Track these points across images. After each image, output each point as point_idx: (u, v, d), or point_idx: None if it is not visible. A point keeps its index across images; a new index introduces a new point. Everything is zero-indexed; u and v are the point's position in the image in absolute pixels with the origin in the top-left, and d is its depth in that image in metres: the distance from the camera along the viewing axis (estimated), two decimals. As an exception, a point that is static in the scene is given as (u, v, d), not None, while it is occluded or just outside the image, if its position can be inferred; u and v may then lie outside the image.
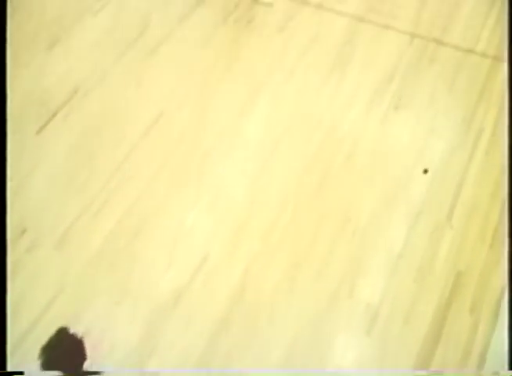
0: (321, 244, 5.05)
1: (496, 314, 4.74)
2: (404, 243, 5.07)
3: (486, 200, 5.30)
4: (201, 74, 6.09)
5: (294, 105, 5.88)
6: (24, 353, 4.32)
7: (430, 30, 6.41)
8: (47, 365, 4.24)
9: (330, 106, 5.88)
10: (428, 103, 5.90)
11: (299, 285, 4.92)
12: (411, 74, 6.09)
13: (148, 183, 5.30)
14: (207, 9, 6.65)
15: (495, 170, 5.46)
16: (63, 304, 4.64)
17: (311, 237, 5.08)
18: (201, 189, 5.31)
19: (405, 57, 6.22)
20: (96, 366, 4.43)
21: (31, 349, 4.33)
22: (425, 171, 5.52)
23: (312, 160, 5.53)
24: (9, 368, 4.03)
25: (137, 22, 6.47)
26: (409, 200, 5.32)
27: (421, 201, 5.31)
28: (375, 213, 5.26)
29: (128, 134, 5.61)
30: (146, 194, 5.23)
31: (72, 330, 4.45)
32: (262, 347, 4.60)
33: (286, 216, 5.23)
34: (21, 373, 4.01)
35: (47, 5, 6.57)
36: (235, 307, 4.75)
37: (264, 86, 5.98)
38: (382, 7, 6.62)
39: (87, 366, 4.35)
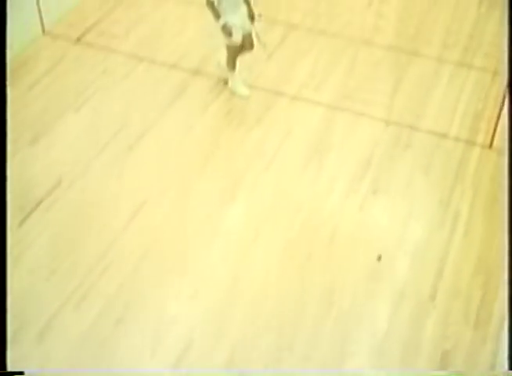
0: (306, 327, 5.02)
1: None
2: (388, 324, 5.05)
3: (467, 280, 5.32)
4: (182, 163, 6.20)
5: (274, 192, 5.97)
6: None
7: (403, 116, 6.62)
8: None
9: (310, 193, 5.99)
10: (405, 187, 6.02)
11: (286, 368, 4.90)
12: (387, 159, 6.25)
13: (131, 271, 5.29)
14: (187, 100, 6.83)
15: (474, 250, 5.52)
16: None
17: (295, 321, 5.05)
18: (184, 277, 5.30)
19: (380, 143, 6.39)
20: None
21: None
22: (379, 258, 5.56)
23: (293, 245, 5.58)
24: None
25: (118, 115, 6.63)
26: (392, 282, 5.35)
27: (403, 282, 5.34)
28: (358, 296, 5.26)
29: (110, 224, 5.64)
30: (130, 282, 5.21)
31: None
32: None
33: (270, 301, 5.20)
34: (21, 373, 3.91)
35: (29, 103, 6.74)
36: (221, 394, 4.69)
37: (244, 174, 6.09)
38: (356, 95, 6.85)
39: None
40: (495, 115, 6.63)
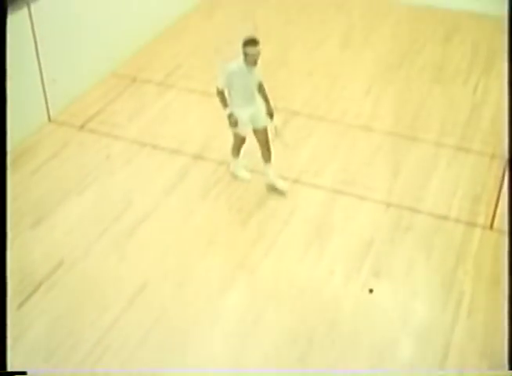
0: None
1: None
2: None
3: (473, 363, 5.24)
4: (183, 247, 6.19)
5: (275, 276, 5.92)
6: None
7: (404, 199, 6.66)
8: None
9: (311, 276, 5.95)
10: (407, 269, 5.98)
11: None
12: (388, 241, 6.24)
13: (131, 354, 5.18)
14: (188, 184, 6.90)
15: (478, 332, 5.43)
16: None
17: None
18: (184, 363, 5.17)
19: (381, 226, 6.40)
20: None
21: None
22: (370, 291, 5.72)
23: (295, 330, 5.46)
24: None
25: (121, 199, 6.68)
26: (396, 365, 5.25)
27: (409, 365, 5.24)
28: (362, 379, 5.18)
29: (110, 307, 5.56)
30: (130, 365, 5.12)
31: None
32: None
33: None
34: (23, 373, 3.80)
35: (32, 187, 6.80)
36: None
37: (245, 258, 6.06)
38: (356, 179, 6.91)
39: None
40: (495, 197, 6.68)
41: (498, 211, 6.52)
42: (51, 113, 7.70)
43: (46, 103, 7.61)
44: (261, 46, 6.28)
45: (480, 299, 5.68)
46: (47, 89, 7.55)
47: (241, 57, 6.25)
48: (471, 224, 6.40)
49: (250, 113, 6.42)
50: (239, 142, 6.72)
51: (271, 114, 6.54)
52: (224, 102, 6.36)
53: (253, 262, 6.06)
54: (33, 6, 7.24)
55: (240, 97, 6.36)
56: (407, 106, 8.03)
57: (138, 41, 9.02)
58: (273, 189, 6.73)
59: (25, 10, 7.17)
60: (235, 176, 6.90)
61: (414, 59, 8.96)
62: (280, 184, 6.72)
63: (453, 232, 6.32)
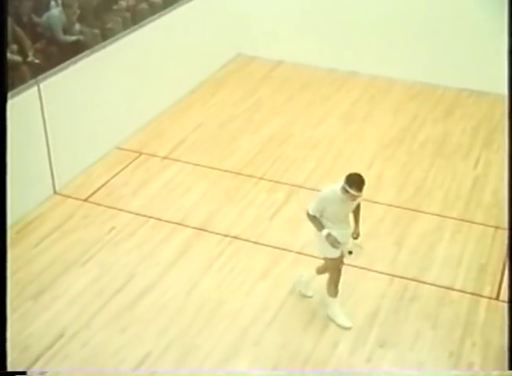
0: None
1: None
2: None
3: None
4: (187, 318, 6.07)
5: (279, 347, 5.80)
6: None
7: (408, 270, 6.61)
8: None
9: (316, 346, 5.82)
10: (413, 340, 5.88)
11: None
12: (393, 312, 6.16)
13: None
14: (191, 257, 6.86)
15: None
16: None
17: None
18: None
19: (386, 296, 6.33)
20: None
21: None
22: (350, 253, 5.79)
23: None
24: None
25: (123, 271, 6.64)
26: None
27: None
28: None
29: (112, 379, 5.52)
30: None
31: None
32: None
33: None
34: (23, 373, 3.70)
35: (36, 258, 6.77)
36: None
37: (248, 329, 5.96)
38: (361, 251, 6.87)
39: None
40: (500, 268, 6.64)
41: (504, 281, 6.48)
42: (56, 186, 7.76)
43: (52, 175, 7.69)
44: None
45: (490, 370, 5.58)
46: (53, 163, 7.64)
47: (339, 186, 5.67)
48: (477, 295, 6.35)
49: (342, 235, 5.88)
50: (337, 273, 6.08)
51: (357, 235, 6.02)
52: (319, 224, 5.84)
53: (256, 333, 5.98)
54: (42, 84, 7.42)
55: (331, 221, 5.83)
56: (409, 179, 8.09)
57: (144, 116, 9.18)
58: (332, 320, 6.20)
59: (35, 88, 7.34)
60: (332, 320, 6.17)
61: (416, 134, 9.08)
62: (341, 320, 6.12)
63: (459, 303, 6.26)
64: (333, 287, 6.07)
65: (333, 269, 6.03)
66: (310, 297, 6.37)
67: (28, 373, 3.97)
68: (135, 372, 5.58)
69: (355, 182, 5.58)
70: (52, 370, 5.20)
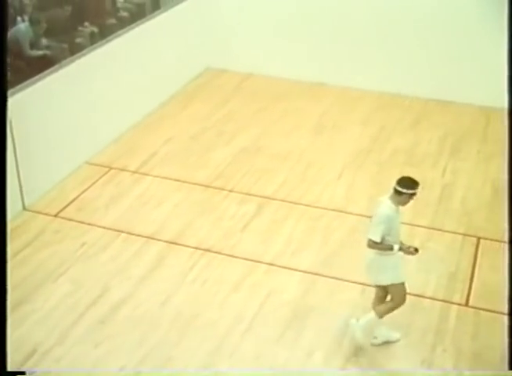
0: None
1: None
2: None
3: None
4: (161, 331, 6.07)
5: (253, 358, 5.83)
6: None
7: (380, 278, 6.70)
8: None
9: (289, 357, 5.86)
10: (387, 347, 5.92)
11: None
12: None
13: None
14: (164, 270, 6.86)
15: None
16: None
17: None
18: None
19: (359, 307, 6.33)
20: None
21: None
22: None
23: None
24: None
25: (96, 285, 6.61)
26: None
27: None
28: None
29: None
30: None
31: None
32: None
33: None
34: (23, 373, 3.83)
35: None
36: None
37: (223, 340, 5.99)
38: (333, 261, 6.95)
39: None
40: (469, 275, 6.75)
41: (473, 287, 6.58)
42: (26, 202, 7.71)
43: (21, 192, 7.64)
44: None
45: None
46: (22, 179, 7.59)
47: (387, 198, 5.63)
48: (447, 302, 6.44)
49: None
50: (403, 298, 5.78)
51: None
52: (385, 247, 5.62)
53: (231, 344, 6.00)
54: (10, 100, 7.34)
55: (393, 238, 5.67)
56: (380, 189, 8.10)
57: (115, 130, 9.19)
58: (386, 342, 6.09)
59: (2, 102, 7.29)
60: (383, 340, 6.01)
61: (385, 144, 9.19)
62: (396, 336, 6.04)
63: (430, 310, 6.34)
64: (388, 311, 5.84)
65: (400, 295, 5.76)
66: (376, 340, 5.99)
67: (27, 373, 3.99)
68: (110, 387, 5.57)
69: (411, 180, 5.60)
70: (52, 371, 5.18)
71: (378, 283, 5.88)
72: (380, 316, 5.83)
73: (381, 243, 5.60)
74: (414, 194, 5.64)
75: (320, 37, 10.57)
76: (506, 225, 7.33)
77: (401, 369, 5.79)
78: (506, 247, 7.08)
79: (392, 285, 5.77)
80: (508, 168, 4.35)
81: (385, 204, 5.63)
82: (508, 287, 3.87)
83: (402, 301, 5.81)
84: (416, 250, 5.75)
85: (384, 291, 5.88)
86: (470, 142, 9.23)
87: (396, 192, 5.59)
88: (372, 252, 5.72)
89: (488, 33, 9.69)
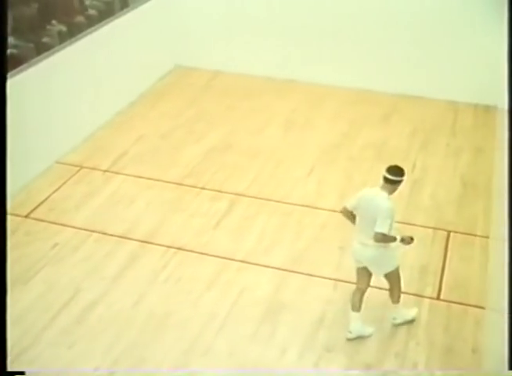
0: None
1: None
2: None
3: None
4: (134, 332, 6.06)
5: (227, 356, 5.85)
6: None
7: (353, 274, 6.64)
8: None
9: (263, 354, 5.90)
10: (360, 343, 5.93)
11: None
12: (340, 316, 6.25)
13: None
14: (137, 269, 6.85)
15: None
16: None
17: None
18: None
19: (332, 301, 6.42)
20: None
21: None
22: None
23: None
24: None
25: (69, 286, 6.58)
26: None
27: None
28: None
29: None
30: None
31: None
32: None
33: None
34: (22, 373, 3.76)
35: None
36: None
37: (197, 339, 6.00)
38: (305, 257, 6.99)
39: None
40: (440, 268, 6.83)
41: (444, 281, 6.66)
42: (-5, 204, 7.64)
43: (-9, 193, 7.56)
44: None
45: (433, 369, 5.72)
46: (-9, 180, 7.52)
47: (380, 190, 5.75)
48: (419, 296, 6.51)
49: None
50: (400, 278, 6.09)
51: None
52: (390, 238, 5.70)
53: (205, 343, 6.01)
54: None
55: (393, 229, 5.78)
56: (350, 184, 8.20)
57: (84, 130, 9.13)
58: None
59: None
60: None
61: (355, 140, 9.25)
62: (412, 313, 6.21)
63: (403, 304, 6.36)
64: (398, 293, 6.09)
65: (399, 276, 6.01)
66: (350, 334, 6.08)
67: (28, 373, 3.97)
68: (84, 388, 5.55)
69: (398, 168, 5.80)
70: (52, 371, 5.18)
71: (386, 273, 6.00)
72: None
73: (385, 236, 5.67)
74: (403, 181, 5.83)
75: (289, 33, 10.58)
76: (476, 219, 7.55)
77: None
78: (477, 240, 7.24)
79: (392, 272, 5.96)
80: (508, 168, 4.42)
81: (383, 197, 5.73)
82: (507, 285, 3.94)
83: (399, 282, 6.05)
84: (412, 239, 5.88)
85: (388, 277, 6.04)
86: (439, 137, 9.33)
87: (389, 181, 5.74)
88: (373, 248, 5.77)
89: (455, 29, 9.81)
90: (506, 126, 4.90)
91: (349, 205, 5.93)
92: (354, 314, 6.02)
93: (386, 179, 5.74)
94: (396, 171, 5.77)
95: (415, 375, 5.70)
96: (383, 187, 5.76)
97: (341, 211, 6.00)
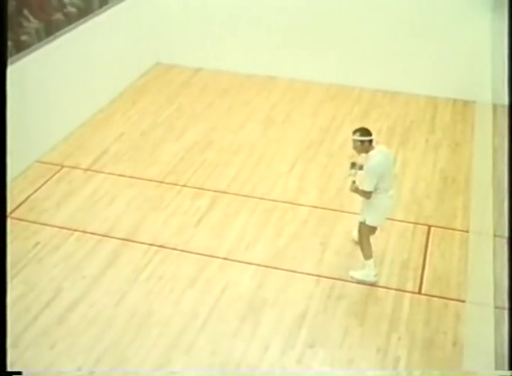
0: None
1: None
2: None
3: None
4: (116, 331, 6.04)
5: (210, 353, 5.86)
6: None
7: (334, 270, 6.77)
8: None
9: (246, 351, 5.91)
10: (342, 338, 6.02)
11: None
12: (322, 312, 6.29)
13: None
14: (119, 267, 6.83)
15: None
16: None
17: None
18: None
19: (314, 297, 6.45)
20: None
21: None
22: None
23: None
24: (9, 369, 3.84)
25: (50, 286, 6.55)
26: None
27: None
28: None
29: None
30: None
31: None
32: None
33: None
34: (19, 373, 3.78)
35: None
36: None
37: (180, 336, 5.98)
38: (286, 253, 7.01)
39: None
40: (421, 263, 6.87)
41: (425, 275, 6.71)
42: (-25, 204, 7.59)
43: (-30, 193, 7.51)
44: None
45: (415, 362, 5.76)
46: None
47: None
48: (401, 290, 6.55)
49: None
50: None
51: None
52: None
53: (187, 341, 6.01)
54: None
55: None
56: (331, 180, 8.25)
57: (65, 128, 9.09)
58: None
59: None
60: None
61: (335, 136, 9.27)
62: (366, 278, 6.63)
63: (384, 299, 6.44)
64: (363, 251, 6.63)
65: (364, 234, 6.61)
66: None
67: (24, 373, 3.96)
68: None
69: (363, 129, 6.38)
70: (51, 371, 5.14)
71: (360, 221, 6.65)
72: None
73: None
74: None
75: (268, 31, 10.60)
76: (456, 213, 7.61)
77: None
78: (457, 234, 7.29)
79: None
80: (508, 168, 4.46)
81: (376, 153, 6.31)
82: (508, 282, 3.99)
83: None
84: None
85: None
86: (418, 132, 9.38)
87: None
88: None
89: (434, 25, 9.87)
90: (507, 125, 4.94)
91: None
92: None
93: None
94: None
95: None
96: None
97: None
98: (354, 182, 6.36)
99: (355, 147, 6.33)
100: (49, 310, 6.30)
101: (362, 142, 6.25)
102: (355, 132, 6.30)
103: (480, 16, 9.36)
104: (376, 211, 6.42)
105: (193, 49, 11.05)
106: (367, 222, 6.48)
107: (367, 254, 6.56)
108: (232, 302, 6.44)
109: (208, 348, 5.94)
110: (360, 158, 6.47)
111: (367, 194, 6.27)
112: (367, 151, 6.28)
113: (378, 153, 6.28)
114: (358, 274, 6.61)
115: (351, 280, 6.61)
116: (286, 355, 5.89)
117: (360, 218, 6.56)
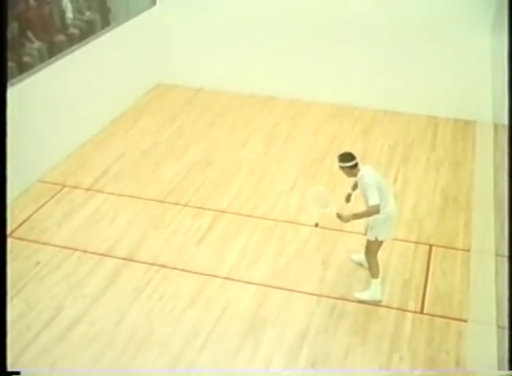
0: None
1: None
2: None
3: None
4: (118, 349, 6.02)
5: (212, 372, 5.84)
6: None
7: (335, 288, 6.74)
8: None
9: (247, 370, 5.86)
10: (344, 356, 5.99)
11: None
12: (323, 331, 6.26)
13: None
14: (119, 286, 6.80)
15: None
16: None
17: None
18: None
19: (315, 316, 6.42)
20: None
21: None
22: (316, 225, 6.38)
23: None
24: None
25: (50, 305, 6.54)
26: None
27: None
28: None
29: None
30: None
31: None
32: None
33: None
34: (17, 373, 3.78)
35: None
36: None
37: (181, 354, 5.95)
38: (287, 272, 6.99)
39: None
40: (423, 282, 6.85)
41: (427, 294, 6.68)
42: (-24, 223, 7.59)
43: (-29, 212, 7.51)
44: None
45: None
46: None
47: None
48: (402, 309, 6.52)
49: None
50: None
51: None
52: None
53: (188, 360, 5.98)
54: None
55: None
56: (332, 198, 8.20)
57: (66, 148, 9.13)
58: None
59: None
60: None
61: (336, 154, 9.21)
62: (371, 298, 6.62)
63: (386, 318, 6.41)
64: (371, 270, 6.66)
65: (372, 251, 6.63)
66: None
67: (23, 373, 3.96)
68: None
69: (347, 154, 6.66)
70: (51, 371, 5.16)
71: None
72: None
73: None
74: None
75: (269, 50, 10.66)
76: (457, 232, 7.59)
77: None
78: (458, 253, 7.27)
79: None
80: (508, 187, 4.48)
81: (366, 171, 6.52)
82: (508, 294, 3.99)
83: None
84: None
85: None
86: (419, 151, 9.39)
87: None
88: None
89: (434, 46, 9.91)
90: (507, 140, 4.97)
91: None
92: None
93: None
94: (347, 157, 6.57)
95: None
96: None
97: None
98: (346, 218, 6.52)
99: (343, 172, 6.52)
100: (50, 329, 6.29)
101: (346, 167, 6.45)
102: (338, 159, 6.52)
103: (480, 36, 9.41)
104: (385, 224, 6.41)
105: (194, 69, 11.11)
106: (379, 238, 6.46)
107: (375, 273, 6.55)
108: (233, 321, 6.42)
109: (210, 367, 5.90)
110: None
111: (376, 208, 6.21)
112: (355, 175, 6.43)
113: (367, 170, 6.41)
114: (364, 295, 6.57)
115: (352, 299, 6.59)
116: (288, 374, 5.86)
117: (368, 237, 6.54)
